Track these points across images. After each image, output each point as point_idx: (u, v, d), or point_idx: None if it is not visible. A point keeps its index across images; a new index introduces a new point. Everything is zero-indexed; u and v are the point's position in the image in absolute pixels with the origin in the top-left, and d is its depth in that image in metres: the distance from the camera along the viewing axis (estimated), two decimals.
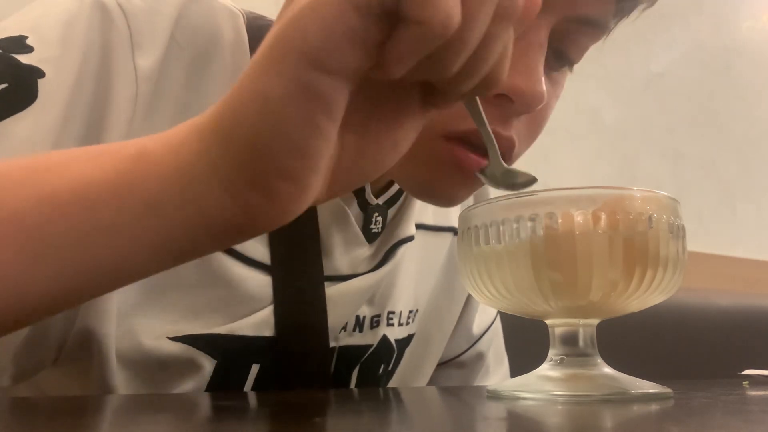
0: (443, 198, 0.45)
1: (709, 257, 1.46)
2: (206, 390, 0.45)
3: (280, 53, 0.25)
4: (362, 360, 0.53)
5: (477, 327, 0.65)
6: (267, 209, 0.27)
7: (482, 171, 0.38)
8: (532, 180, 0.36)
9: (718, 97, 1.64)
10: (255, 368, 0.46)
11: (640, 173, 1.49)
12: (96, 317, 0.41)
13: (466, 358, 0.66)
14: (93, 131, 0.39)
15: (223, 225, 0.28)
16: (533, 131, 0.47)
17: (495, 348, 0.68)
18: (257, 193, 0.27)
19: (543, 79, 0.39)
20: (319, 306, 0.48)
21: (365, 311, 0.52)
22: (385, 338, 0.54)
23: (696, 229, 1.50)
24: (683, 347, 1.17)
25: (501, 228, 0.35)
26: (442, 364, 0.65)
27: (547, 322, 0.38)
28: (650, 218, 0.34)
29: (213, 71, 0.43)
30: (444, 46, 0.25)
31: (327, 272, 0.49)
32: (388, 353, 0.55)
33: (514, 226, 0.34)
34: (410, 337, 0.58)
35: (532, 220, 0.34)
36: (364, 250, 0.51)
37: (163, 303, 0.43)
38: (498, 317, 0.69)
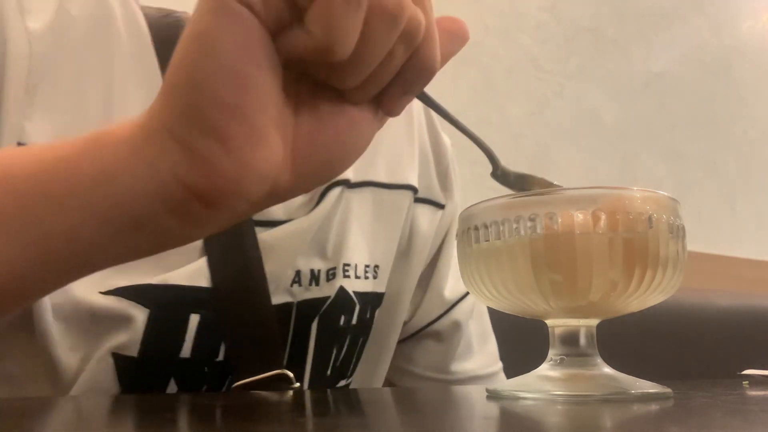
0: None
1: (709, 257, 1.46)
2: (143, 342, 0.44)
3: None
4: (321, 312, 0.53)
5: (450, 292, 0.64)
6: (223, 159, 0.27)
7: (494, 174, 0.38)
8: (546, 183, 0.37)
9: (718, 97, 1.64)
10: (195, 319, 0.46)
11: (640, 173, 1.49)
12: None
13: (442, 327, 0.64)
14: None
15: (178, 188, 0.27)
16: None
17: (477, 323, 0.67)
18: (208, 137, 0.26)
19: None
20: (252, 251, 0.48)
21: (320, 265, 0.53)
22: (342, 289, 0.54)
23: (696, 229, 1.50)
24: (683, 347, 1.17)
25: (501, 228, 0.35)
26: (416, 334, 0.65)
27: (547, 322, 0.38)
28: (650, 218, 0.34)
29: (111, 34, 0.47)
30: (342, 62, 0.27)
31: (262, 217, 0.49)
32: (348, 304, 0.55)
33: (514, 226, 0.34)
34: (378, 295, 0.58)
35: (532, 220, 0.34)
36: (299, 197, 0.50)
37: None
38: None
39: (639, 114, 1.51)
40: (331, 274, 0.54)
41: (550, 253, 0.34)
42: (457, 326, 0.64)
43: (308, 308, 0.53)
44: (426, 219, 0.62)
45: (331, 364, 0.56)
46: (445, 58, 0.31)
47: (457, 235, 0.40)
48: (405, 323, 0.64)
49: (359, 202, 0.57)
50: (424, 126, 0.64)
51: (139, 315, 0.44)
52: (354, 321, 0.56)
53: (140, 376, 0.45)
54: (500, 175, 0.38)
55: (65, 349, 0.44)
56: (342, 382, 0.58)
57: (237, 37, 0.26)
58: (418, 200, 0.62)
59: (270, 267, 0.49)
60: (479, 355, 0.67)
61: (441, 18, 0.31)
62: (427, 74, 0.30)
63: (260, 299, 0.49)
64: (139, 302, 0.44)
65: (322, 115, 0.30)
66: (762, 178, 1.68)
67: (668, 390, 0.35)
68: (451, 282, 0.65)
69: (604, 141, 1.45)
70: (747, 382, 0.50)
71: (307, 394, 0.43)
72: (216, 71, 0.26)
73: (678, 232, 0.35)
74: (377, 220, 0.58)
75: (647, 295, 0.35)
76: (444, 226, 0.64)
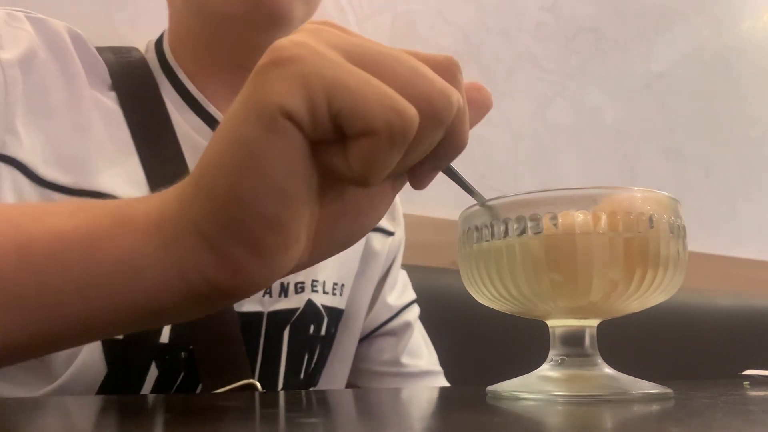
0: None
1: (709, 257, 1.46)
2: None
3: (257, 103, 0.25)
4: (291, 321, 0.58)
5: (394, 300, 0.73)
6: (254, 264, 0.27)
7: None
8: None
9: (718, 97, 1.64)
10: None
11: (640, 173, 1.49)
12: None
13: (395, 325, 0.72)
14: None
15: (204, 286, 0.27)
16: None
17: (421, 330, 0.75)
18: (243, 245, 0.26)
19: None
20: None
21: (289, 278, 0.57)
22: (311, 302, 0.59)
23: (696, 229, 1.50)
24: (683, 347, 1.17)
25: (501, 228, 0.35)
26: (369, 335, 0.72)
27: (548, 322, 0.38)
28: (651, 218, 0.34)
29: (73, 71, 0.52)
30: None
31: None
32: (316, 316, 0.60)
33: (515, 226, 0.34)
34: (340, 311, 0.64)
35: (533, 220, 0.34)
36: None
37: None
38: (415, 305, 0.76)
39: (639, 114, 1.51)
40: (299, 288, 0.59)
41: (550, 253, 0.34)
42: (407, 325, 0.73)
43: (278, 318, 0.57)
44: (378, 243, 0.70)
45: (303, 371, 0.60)
46: (471, 127, 0.31)
47: (457, 236, 0.40)
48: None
49: None
50: None
51: None
52: (322, 332, 0.61)
53: (126, 358, 0.48)
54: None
55: None
56: (311, 390, 0.62)
57: (284, 153, 0.25)
58: (372, 229, 0.68)
59: None
60: (428, 354, 0.74)
61: (468, 86, 0.30)
62: (458, 151, 0.30)
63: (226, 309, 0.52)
64: None
65: (346, 203, 0.30)
66: (762, 178, 1.68)
67: (669, 390, 0.35)
68: (396, 294, 0.73)
69: (604, 141, 1.45)
70: (747, 382, 0.50)
71: (304, 395, 0.43)
72: (261, 188, 0.26)
73: (679, 232, 0.35)
74: None
75: (648, 295, 0.35)
76: (393, 250, 0.73)
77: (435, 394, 0.46)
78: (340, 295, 0.64)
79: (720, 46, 1.66)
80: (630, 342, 1.01)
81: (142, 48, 0.61)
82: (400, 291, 0.74)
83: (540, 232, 0.34)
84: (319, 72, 0.25)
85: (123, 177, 0.51)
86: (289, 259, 0.28)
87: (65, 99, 0.51)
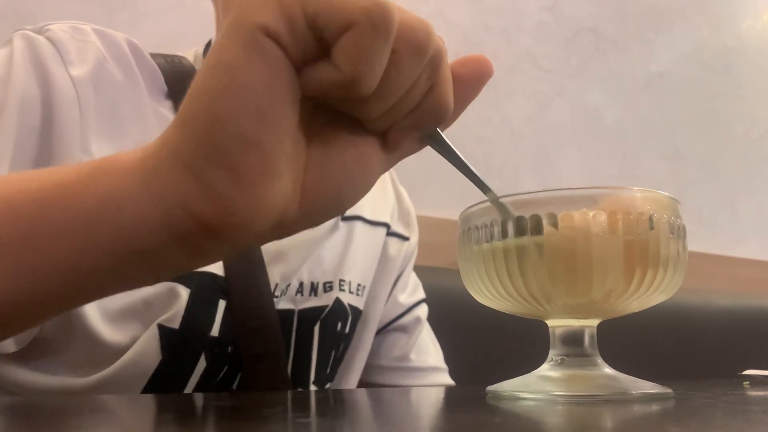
0: None
1: (709, 257, 1.46)
2: (184, 317, 0.50)
3: (234, 24, 0.25)
4: (321, 317, 0.60)
5: (405, 298, 0.75)
6: (233, 191, 0.26)
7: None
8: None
9: (719, 97, 1.64)
10: (222, 304, 0.52)
11: (640, 173, 1.49)
12: None
13: (405, 322, 0.74)
14: (45, 133, 0.46)
15: (186, 219, 0.26)
16: None
17: (429, 329, 0.78)
18: (222, 168, 0.25)
19: None
20: (256, 255, 0.55)
21: (319, 278, 0.61)
22: (338, 300, 0.62)
23: (696, 229, 1.50)
24: (683, 347, 1.17)
25: (501, 228, 0.35)
26: (381, 331, 0.74)
27: (548, 322, 0.38)
28: (651, 218, 0.34)
29: (131, 70, 0.53)
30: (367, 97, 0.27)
31: None
32: (343, 313, 0.63)
33: (515, 226, 0.34)
34: (360, 311, 0.67)
35: (532, 220, 0.34)
36: None
37: None
38: (424, 304, 0.78)
39: (639, 114, 1.51)
40: (328, 287, 0.62)
41: (550, 253, 0.34)
42: (417, 321, 0.75)
43: (309, 315, 0.59)
44: (395, 248, 0.73)
45: (329, 367, 0.62)
46: (469, 100, 0.32)
47: (457, 236, 0.40)
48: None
49: (353, 231, 0.66)
50: (388, 180, 0.77)
51: (183, 293, 0.50)
52: (347, 330, 0.64)
53: (179, 347, 0.50)
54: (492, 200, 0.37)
55: (112, 335, 0.48)
56: (328, 385, 0.65)
57: (263, 72, 0.25)
58: (389, 234, 0.73)
59: (277, 269, 0.56)
60: (435, 352, 0.77)
61: (469, 58, 0.31)
62: (441, 112, 0.30)
63: (264, 295, 0.55)
64: (182, 283, 0.50)
65: (332, 148, 0.29)
66: (762, 178, 1.68)
67: (669, 390, 0.35)
68: (407, 293, 0.76)
69: (604, 141, 1.45)
70: (747, 382, 0.50)
71: (305, 395, 0.43)
72: (240, 106, 0.25)
73: (679, 232, 0.35)
74: (365, 248, 0.68)
75: (648, 295, 0.35)
76: (408, 254, 0.76)
77: (435, 394, 0.46)
78: (362, 296, 0.67)
79: (720, 46, 1.66)
80: (630, 342, 1.01)
81: (189, 57, 0.61)
82: (411, 290, 0.77)
83: (540, 232, 0.34)
84: None
85: None
86: (271, 195, 0.27)
87: (132, 112, 0.52)
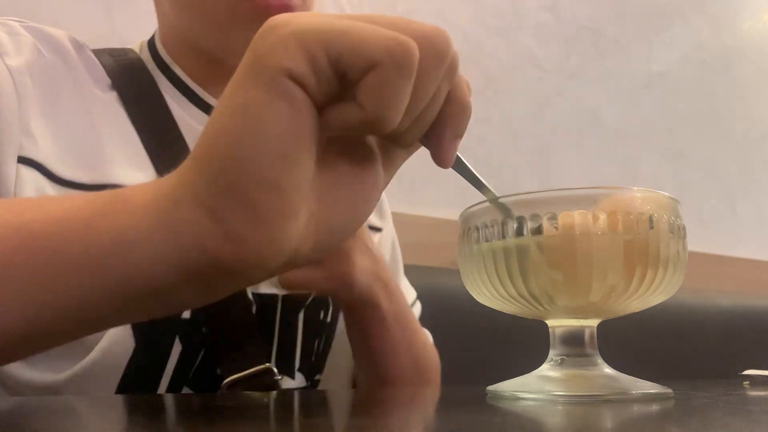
0: (241, 47, 0.52)
1: (710, 257, 1.46)
2: None
3: (257, 67, 0.26)
4: (306, 305, 0.60)
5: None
6: (251, 232, 0.26)
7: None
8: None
9: (718, 97, 1.64)
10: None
11: (640, 173, 1.49)
12: None
13: None
14: None
15: (201, 259, 0.26)
16: None
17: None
18: (241, 209, 0.26)
19: None
20: None
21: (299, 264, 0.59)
22: None
23: (696, 229, 1.50)
24: (683, 347, 1.17)
25: (501, 228, 0.35)
26: None
27: (548, 322, 0.38)
28: (651, 218, 0.34)
29: (71, 60, 0.54)
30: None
31: None
32: (325, 302, 0.63)
33: (515, 226, 0.34)
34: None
35: (533, 220, 0.34)
36: None
37: None
38: (417, 303, 0.77)
39: (639, 114, 1.51)
40: None
41: (550, 253, 0.34)
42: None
43: (293, 302, 0.59)
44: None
45: (314, 355, 0.62)
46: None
47: (457, 236, 0.40)
48: None
49: None
50: None
51: None
52: (329, 319, 0.63)
53: (151, 331, 0.49)
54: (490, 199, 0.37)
55: None
56: (318, 377, 0.64)
57: (285, 115, 0.25)
58: None
59: None
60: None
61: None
62: (466, 109, 0.30)
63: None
64: None
65: (341, 180, 0.30)
66: (762, 178, 1.68)
67: (669, 390, 0.35)
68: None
69: (604, 141, 1.45)
70: (747, 382, 0.50)
71: (303, 394, 0.43)
72: (260, 149, 0.25)
73: (679, 232, 0.35)
74: None
75: (648, 295, 0.35)
76: (386, 245, 0.74)
77: (435, 394, 0.46)
78: None
79: (720, 46, 1.66)
80: (630, 342, 1.01)
81: (135, 49, 0.62)
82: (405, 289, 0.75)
83: (540, 233, 0.34)
84: (312, 27, 0.25)
85: (136, 172, 0.52)
86: (287, 235, 0.27)
87: (74, 99, 0.52)
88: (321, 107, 0.27)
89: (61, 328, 0.28)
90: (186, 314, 0.51)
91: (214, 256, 0.26)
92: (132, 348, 0.48)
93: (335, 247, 0.31)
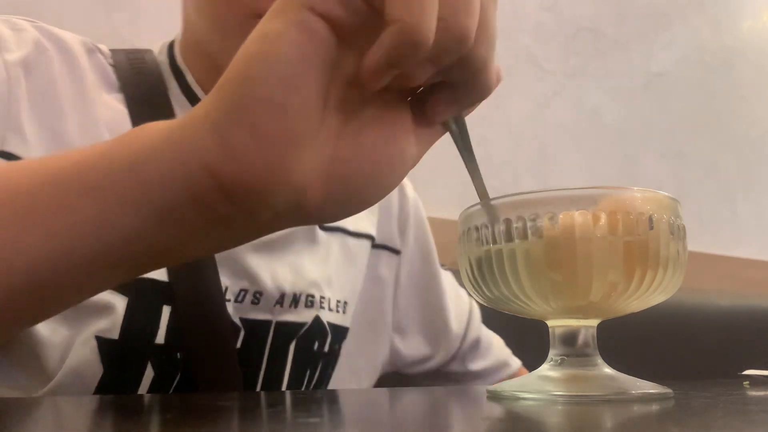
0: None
1: (709, 257, 1.46)
2: (122, 327, 0.48)
3: (284, 4, 0.27)
4: (298, 336, 0.58)
5: (456, 324, 0.73)
6: (253, 153, 0.26)
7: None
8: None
9: (718, 97, 1.64)
10: (166, 310, 0.50)
11: (640, 173, 1.49)
12: None
13: (465, 348, 0.73)
14: None
15: (203, 175, 0.27)
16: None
17: (483, 329, 0.77)
18: (244, 130, 0.26)
19: None
20: (208, 261, 0.52)
21: (302, 288, 0.58)
22: (318, 318, 0.59)
23: (696, 229, 1.50)
24: (683, 347, 1.17)
25: (501, 228, 0.35)
26: (449, 369, 0.73)
27: (548, 322, 0.38)
28: (651, 218, 0.34)
29: (74, 60, 0.53)
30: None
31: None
32: (321, 333, 0.60)
33: (515, 226, 0.34)
34: (344, 329, 0.63)
35: (532, 220, 0.34)
36: None
37: None
38: (473, 304, 0.76)
39: (639, 114, 1.51)
40: (309, 301, 0.59)
41: (550, 253, 0.34)
42: (477, 341, 0.74)
43: (286, 330, 0.57)
44: (383, 263, 0.70)
45: (305, 385, 0.60)
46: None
47: (457, 236, 0.40)
48: (422, 362, 0.73)
49: (334, 244, 0.63)
50: None
51: (120, 302, 0.48)
52: (326, 349, 0.61)
53: (121, 357, 0.48)
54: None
55: (48, 334, 0.46)
56: None
57: (297, 42, 0.26)
58: (375, 246, 0.69)
59: (230, 270, 0.53)
60: (497, 347, 0.77)
61: None
62: (482, 89, 0.30)
63: (214, 299, 0.52)
64: (118, 291, 0.48)
65: (362, 141, 0.30)
66: (762, 178, 1.68)
67: (668, 390, 0.35)
68: (453, 314, 0.73)
69: (604, 141, 1.45)
70: (747, 382, 0.50)
71: (303, 396, 0.43)
72: (269, 72, 0.26)
73: (679, 233, 0.35)
74: (346, 262, 0.64)
75: (648, 295, 0.35)
76: (409, 273, 0.72)
77: (435, 394, 0.46)
78: (343, 312, 0.63)
79: (720, 46, 1.66)
80: (630, 342, 1.01)
81: (155, 50, 0.62)
82: (455, 309, 0.74)
83: (540, 233, 0.34)
84: None
85: None
86: (292, 163, 0.27)
87: (72, 98, 0.52)
88: (358, 45, 0.27)
89: (83, 257, 0.29)
90: (160, 339, 0.49)
91: (216, 174, 0.27)
92: (99, 375, 0.47)
93: (353, 207, 0.31)
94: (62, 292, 0.31)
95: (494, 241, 0.35)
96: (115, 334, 0.47)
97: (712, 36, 1.65)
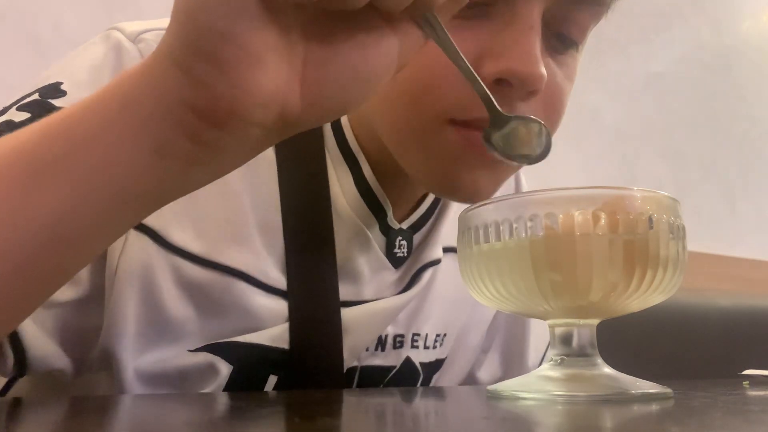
0: (465, 189, 0.44)
1: (709, 257, 1.46)
2: None
3: None
4: (385, 381, 0.53)
5: (532, 360, 0.65)
6: (218, 80, 0.27)
7: (486, 135, 0.37)
8: (539, 133, 0.36)
9: (719, 97, 1.64)
10: (272, 380, 0.48)
11: (640, 173, 1.49)
12: (116, 339, 0.43)
13: None
14: None
15: (184, 110, 0.28)
16: (551, 114, 0.48)
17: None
18: (204, 61, 0.27)
19: (540, 59, 0.40)
20: (334, 326, 0.48)
21: (388, 330, 0.53)
22: (408, 360, 0.54)
23: (696, 230, 1.50)
24: (683, 347, 1.17)
25: (501, 228, 0.35)
26: None
27: (548, 322, 0.38)
28: (650, 218, 0.34)
29: None
30: None
31: (353, 297, 0.49)
32: (412, 376, 0.55)
33: (514, 226, 0.34)
34: (440, 362, 0.58)
35: (532, 220, 0.34)
36: (390, 274, 0.52)
37: (185, 333, 0.45)
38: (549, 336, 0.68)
39: (639, 114, 1.51)
40: (398, 342, 0.54)
41: (550, 253, 0.34)
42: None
43: (372, 374, 0.53)
44: None
45: None
46: None
47: (457, 236, 0.40)
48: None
49: (442, 273, 0.56)
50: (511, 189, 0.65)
51: (224, 369, 0.46)
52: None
53: None
54: (493, 138, 0.36)
55: None
56: None
57: None
58: None
59: (349, 341, 0.49)
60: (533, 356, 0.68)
61: None
62: None
63: (332, 371, 0.49)
64: (224, 358, 0.46)
65: (333, 44, 0.30)
66: (762, 178, 1.68)
67: (668, 390, 0.35)
68: (533, 351, 0.65)
69: (603, 141, 1.45)
70: (747, 382, 0.50)
71: (304, 396, 0.43)
72: (208, 1, 0.27)
73: (678, 233, 0.35)
74: (455, 288, 0.56)
75: (647, 295, 0.35)
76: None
77: (435, 394, 0.46)
78: (441, 346, 0.58)
79: (720, 46, 1.66)
80: (630, 342, 1.01)
81: None
82: (535, 347, 0.65)
83: (540, 233, 0.34)
84: None
85: (262, 253, 0.46)
86: (259, 81, 0.28)
87: None
88: None
89: (95, 208, 0.30)
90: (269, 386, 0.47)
91: (194, 107, 0.28)
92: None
93: (335, 110, 0.32)
94: (84, 242, 0.31)
95: (494, 241, 0.35)
96: None
97: (712, 36, 1.65)
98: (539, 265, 0.34)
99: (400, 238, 0.52)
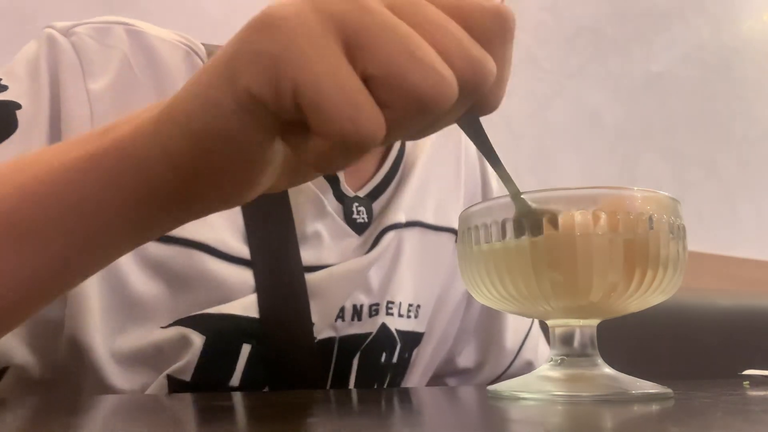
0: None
1: (709, 257, 1.46)
2: (197, 368, 0.46)
3: (230, 78, 0.26)
4: (362, 348, 0.54)
5: (511, 342, 0.65)
6: (213, 196, 0.30)
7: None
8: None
9: (719, 97, 1.64)
10: (246, 349, 0.48)
11: (640, 173, 1.49)
12: (83, 328, 0.44)
13: (515, 369, 0.66)
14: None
15: (169, 200, 0.30)
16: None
17: (542, 352, 0.68)
18: (203, 182, 0.29)
19: None
20: (299, 291, 0.50)
21: (363, 300, 0.54)
22: (384, 326, 0.55)
23: (696, 229, 1.50)
24: (683, 347, 1.17)
25: (501, 228, 0.35)
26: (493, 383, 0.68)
27: (548, 322, 0.38)
28: (650, 218, 0.34)
29: (168, 81, 0.49)
30: None
31: (315, 262, 0.51)
32: (389, 341, 0.55)
33: (515, 226, 0.34)
34: (417, 335, 0.59)
35: (532, 220, 0.34)
36: (354, 240, 0.54)
37: (156, 310, 0.46)
38: (535, 322, 0.68)
39: (639, 114, 1.51)
40: (374, 310, 0.54)
41: (550, 253, 0.34)
42: (529, 364, 0.66)
43: (350, 343, 0.53)
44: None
45: None
46: None
47: (457, 236, 0.40)
48: (468, 373, 0.66)
49: (409, 242, 0.58)
50: (477, 171, 0.68)
51: (197, 341, 0.46)
52: (394, 359, 0.56)
53: None
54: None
55: (122, 382, 0.46)
56: None
57: (245, 125, 0.27)
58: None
59: (318, 306, 0.50)
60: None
61: None
62: (493, 100, 0.28)
63: (304, 337, 0.50)
64: (197, 329, 0.46)
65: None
66: (762, 178, 1.68)
67: (669, 390, 0.35)
68: (511, 326, 0.65)
69: (604, 141, 1.45)
70: (747, 382, 0.50)
71: (305, 396, 0.43)
72: (222, 142, 0.28)
73: (678, 233, 0.35)
74: (423, 261, 0.59)
75: (648, 295, 0.35)
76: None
77: (435, 394, 0.46)
78: (416, 317, 0.58)
79: (720, 46, 1.66)
80: (630, 342, 1.01)
81: None
82: (514, 327, 0.66)
83: (540, 233, 0.34)
84: (293, 57, 0.24)
85: (219, 222, 0.48)
86: (250, 193, 0.31)
87: None
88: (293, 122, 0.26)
89: (80, 264, 0.31)
90: (234, 382, 0.47)
91: (183, 201, 0.31)
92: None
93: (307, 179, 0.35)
94: (74, 284, 0.34)
95: (494, 241, 0.35)
96: (187, 375, 0.46)
97: (712, 36, 1.65)
98: (539, 265, 0.34)
99: (356, 204, 0.54)
